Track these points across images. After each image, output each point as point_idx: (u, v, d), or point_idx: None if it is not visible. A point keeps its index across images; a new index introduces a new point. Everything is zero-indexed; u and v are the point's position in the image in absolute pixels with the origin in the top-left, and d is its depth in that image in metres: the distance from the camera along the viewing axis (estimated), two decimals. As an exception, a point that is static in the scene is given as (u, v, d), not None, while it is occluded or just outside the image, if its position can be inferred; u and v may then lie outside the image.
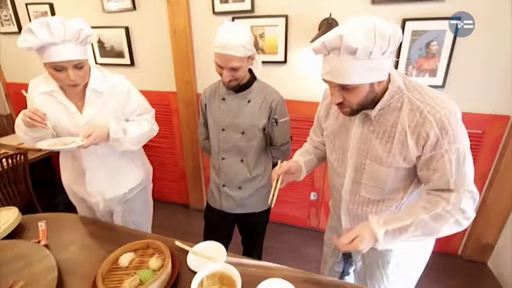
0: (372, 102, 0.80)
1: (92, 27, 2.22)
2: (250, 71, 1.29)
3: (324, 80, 0.80)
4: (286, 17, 1.79)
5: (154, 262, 0.98)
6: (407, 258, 1.01)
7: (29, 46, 0.99)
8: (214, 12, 1.92)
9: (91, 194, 1.32)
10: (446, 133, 0.73)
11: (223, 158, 1.36)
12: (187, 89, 2.17)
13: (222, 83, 1.29)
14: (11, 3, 2.47)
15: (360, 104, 0.79)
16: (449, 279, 1.84)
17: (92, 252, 1.11)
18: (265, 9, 1.82)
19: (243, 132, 1.28)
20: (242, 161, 1.34)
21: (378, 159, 0.84)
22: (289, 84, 1.89)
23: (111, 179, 1.33)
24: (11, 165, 1.92)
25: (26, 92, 1.20)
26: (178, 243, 1.12)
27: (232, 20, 1.89)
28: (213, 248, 1.10)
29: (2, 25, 2.60)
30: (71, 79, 1.05)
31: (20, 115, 1.13)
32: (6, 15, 2.54)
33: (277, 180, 0.97)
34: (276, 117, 1.27)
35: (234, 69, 1.14)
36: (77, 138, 1.12)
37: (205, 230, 1.55)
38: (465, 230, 1.98)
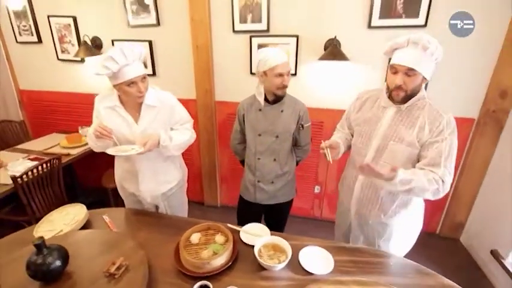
0: (413, 96, 1.16)
1: (116, 40, 2.47)
2: None
3: (394, 65, 1.13)
4: (297, 36, 2.12)
5: (219, 238, 1.27)
6: (397, 232, 1.37)
7: (110, 71, 1.24)
8: (234, 31, 2.22)
9: (141, 191, 1.58)
10: (449, 127, 1.13)
11: (258, 158, 1.66)
12: (207, 96, 2.44)
13: (261, 96, 1.56)
14: (31, 15, 2.60)
15: (412, 90, 1.13)
16: (429, 252, 2.25)
17: (157, 236, 1.36)
18: (279, 29, 2.14)
19: (277, 136, 1.59)
20: (275, 160, 1.65)
21: (400, 139, 1.19)
22: (299, 94, 2.19)
23: (157, 178, 1.59)
24: (48, 169, 2.10)
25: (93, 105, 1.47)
26: (229, 225, 1.40)
27: (250, 39, 2.19)
28: (257, 228, 1.39)
29: (20, 34, 2.71)
30: (141, 91, 1.32)
31: (91, 129, 1.39)
32: (25, 26, 2.66)
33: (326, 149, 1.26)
34: (302, 123, 1.61)
35: (288, 75, 1.47)
36: (135, 146, 1.36)
37: (239, 217, 1.85)
38: (442, 211, 2.41)
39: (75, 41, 2.59)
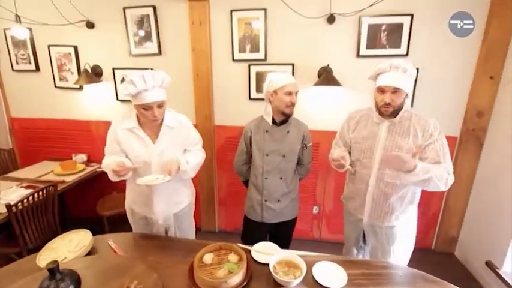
0: (398, 110, 1.34)
1: (117, 68, 2.55)
2: None
3: (381, 87, 1.32)
4: (293, 65, 2.29)
5: (233, 257, 1.27)
6: (404, 235, 1.49)
7: (129, 93, 1.33)
8: (233, 60, 2.36)
9: (155, 213, 1.57)
10: (436, 129, 1.33)
11: (266, 178, 1.71)
12: (206, 121, 2.51)
13: (269, 116, 1.65)
14: (31, 44, 2.65)
15: (398, 105, 1.32)
16: (426, 268, 2.29)
17: (167, 259, 1.34)
18: (275, 58, 2.31)
19: (283, 156, 1.66)
20: (281, 178, 1.71)
21: (400, 148, 1.35)
22: (296, 117, 2.35)
23: (171, 199, 1.60)
24: (44, 196, 2.03)
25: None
26: (240, 245, 1.41)
27: (249, 67, 2.34)
28: (267, 247, 1.41)
29: (17, 63, 2.74)
30: (155, 115, 1.38)
31: (112, 164, 1.39)
32: (23, 54, 2.70)
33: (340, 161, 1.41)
34: (305, 142, 1.71)
35: (296, 94, 1.60)
36: (159, 175, 1.41)
37: (244, 238, 1.84)
38: (435, 227, 2.51)
39: (74, 69, 2.64)
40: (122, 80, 2.58)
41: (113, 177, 1.47)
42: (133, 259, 1.29)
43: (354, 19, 2.13)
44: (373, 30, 2.12)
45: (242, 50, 2.33)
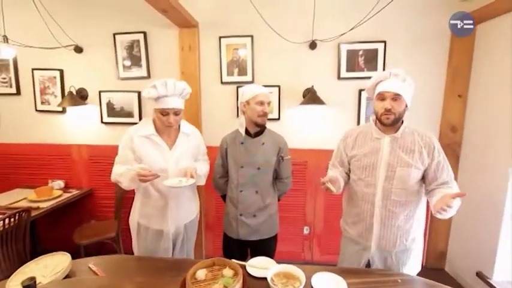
0: (400, 121, 1.31)
1: (104, 91, 2.54)
2: None
3: (381, 93, 1.30)
4: (279, 86, 2.40)
5: (228, 272, 1.20)
6: (415, 257, 1.40)
7: (150, 96, 1.44)
8: (222, 82, 2.45)
9: (168, 223, 1.57)
10: (437, 144, 1.31)
11: (241, 191, 1.67)
12: (194, 142, 2.51)
13: (242, 131, 1.66)
14: (14, 67, 2.61)
15: (399, 113, 1.28)
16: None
17: (156, 279, 1.24)
18: (262, 80, 2.41)
19: (258, 168, 1.64)
20: (257, 192, 1.67)
21: (405, 164, 1.28)
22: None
23: (184, 209, 1.63)
24: (15, 222, 1.86)
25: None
26: (234, 260, 1.34)
27: (237, 89, 2.43)
28: (262, 261, 1.35)
29: (-2, 86, 2.67)
30: (170, 122, 1.46)
31: (131, 172, 1.41)
32: (5, 78, 2.64)
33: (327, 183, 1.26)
34: (282, 155, 1.69)
35: (268, 104, 1.62)
36: (182, 178, 1.47)
37: (224, 256, 1.75)
38: (424, 243, 2.52)
39: (58, 92, 2.60)
40: (108, 103, 2.56)
41: (130, 184, 1.45)
42: (118, 280, 1.19)
43: (333, 45, 2.32)
44: (352, 55, 2.32)
45: (230, 73, 2.43)
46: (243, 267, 1.29)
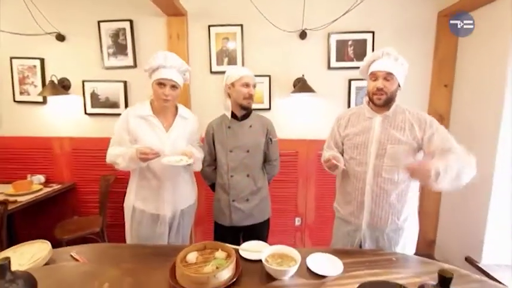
0: (392, 101, 1.32)
1: (87, 81, 2.44)
2: None
3: (374, 72, 1.31)
4: (269, 76, 2.38)
5: (220, 254, 1.16)
6: (408, 238, 1.40)
7: (150, 66, 1.43)
8: (211, 72, 2.41)
9: (165, 206, 1.53)
10: (434, 120, 1.29)
11: (232, 176, 1.63)
12: (183, 133, 2.44)
13: (228, 115, 1.65)
14: (-10, 57, 2.48)
15: (391, 93, 1.29)
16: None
17: (144, 265, 1.17)
18: (253, 70, 2.31)
19: (248, 151, 1.62)
20: (248, 176, 1.64)
21: (397, 141, 1.28)
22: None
23: (180, 193, 1.58)
24: (-10, 215, 1.75)
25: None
26: (227, 244, 1.29)
27: (227, 78, 2.39)
28: (256, 245, 1.31)
29: (-29, 77, 2.51)
30: (166, 94, 1.43)
31: (130, 151, 1.37)
32: (-20, 68, 2.50)
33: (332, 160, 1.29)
34: (270, 137, 1.68)
35: (254, 87, 1.60)
36: (182, 156, 1.42)
37: None
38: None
39: (39, 82, 2.48)
40: (93, 93, 2.46)
41: (128, 164, 1.40)
42: (102, 266, 1.12)
43: (323, 35, 2.33)
44: (341, 45, 2.33)
45: (220, 62, 2.39)
46: (236, 251, 1.25)
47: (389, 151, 1.30)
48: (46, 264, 1.16)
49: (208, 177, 1.78)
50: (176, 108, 1.57)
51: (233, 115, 1.64)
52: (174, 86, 1.45)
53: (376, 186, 1.33)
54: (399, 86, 1.33)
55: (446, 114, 2.35)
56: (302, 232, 2.59)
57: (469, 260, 2.04)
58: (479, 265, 1.95)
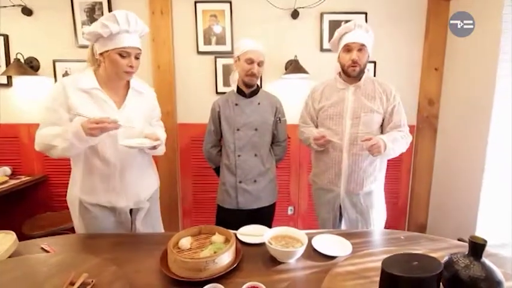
0: (362, 72, 1.40)
1: (59, 61, 2.21)
2: None
3: (348, 44, 1.35)
4: (260, 57, 2.26)
5: (217, 238, 1.04)
6: (379, 201, 1.52)
7: (110, 31, 1.07)
8: (198, 52, 2.24)
9: (123, 197, 1.25)
10: (397, 92, 1.44)
11: (239, 155, 1.54)
12: (168, 119, 2.26)
13: (234, 91, 1.56)
14: None
15: (364, 64, 1.37)
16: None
17: (129, 254, 1.03)
18: (242, 51, 2.26)
19: (256, 129, 1.54)
20: (256, 155, 1.56)
21: (369, 109, 1.40)
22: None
23: (142, 178, 1.32)
24: None
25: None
26: (224, 229, 1.17)
27: (215, 59, 2.24)
28: (255, 229, 1.20)
29: None
30: (132, 65, 1.15)
31: (73, 126, 1.05)
32: None
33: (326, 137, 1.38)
34: (279, 116, 1.61)
35: (259, 64, 1.48)
36: (144, 139, 1.19)
37: None
38: (405, 215, 2.55)
39: (2, 62, 2.20)
40: (65, 74, 2.23)
41: (71, 145, 1.06)
42: (81, 255, 0.96)
43: (316, 15, 2.24)
44: (334, 26, 2.23)
45: (207, 42, 2.24)
46: (234, 236, 1.13)
47: (363, 119, 1.39)
48: (10, 257, 0.98)
49: (213, 160, 1.69)
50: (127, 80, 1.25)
51: (241, 92, 1.54)
52: (137, 56, 1.18)
53: (352, 153, 1.42)
54: (369, 57, 1.40)
55: (437, 98, 2.34)
56: (295, 222, 2.51)
57: (462, 241, 2.04)
58: (473, 246, 1.95)
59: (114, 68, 1.15)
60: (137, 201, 1.31)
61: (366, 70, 1.43)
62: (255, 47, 1.47)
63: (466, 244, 1.03)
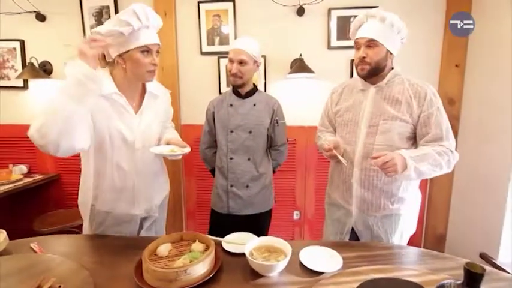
0: (380, 71, 1.14)
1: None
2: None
3: (355, 41, 1.15)
4: (265, 57, 2.19)
5: (197, 246, 0.99)
6: (406, 222, 1.24)
7: (132, 28, 0.99)
8: (201, 53, 2.22)
9: (139, 204, 1.23)
10: (436, 96, 1.12)
11: (231, 158, 1.49)
12: (172, 120, 2.26)
13: (230, 92, 1.53)
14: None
15: (376, 63, 1.11)
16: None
17: (109, 258, 1.01)
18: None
19: (250, 132, 1.47)
20: (249, 159, 1.49)
21: (390, 116, 1.12)
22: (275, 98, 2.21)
23: (155, 186, 1.30)
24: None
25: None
26: (210, 236, 1.12)
27: (218, 60, 2.21)
28: (242, 237, 1.14)
29: None
30: (155, 63, 1.08)
31: (75, 71, 0.88)
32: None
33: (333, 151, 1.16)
34: (277, 118, 1.52)
35: (241, 63, 1.39)
36: (174, 147, 1.18)
37: (211, 235, 1.52)
38: (422, 225, 2.36)
39: (19, 66, 2.32)
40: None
41: (78, 90, 0.88)
42: (59, 258, 0.96)
43: (323, 12, 2.14)
44: (343, 22, 2.13)
45: (211, 42, 2.21)
46: (219, 244, 1.08)
47: (381, 127, 1.13)
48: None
49: (209, 161, 1.66)
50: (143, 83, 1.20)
51: (237, 93, 1.49)
52: (158, 51, 1.11)
53: (364, 168, 1.17)
54: (391, 53, 1.14)
55: (458, 97, 2.14)
56: (301, 227, 2.41)
57: (484, 257, 1.83)
58: (496, 262, 1.75)
59: (136, 69, 1.07)
60: (148, 209, 1.27)
61: (391, 67, 1.17)
62: (236, 45, 1.42)
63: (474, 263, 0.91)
